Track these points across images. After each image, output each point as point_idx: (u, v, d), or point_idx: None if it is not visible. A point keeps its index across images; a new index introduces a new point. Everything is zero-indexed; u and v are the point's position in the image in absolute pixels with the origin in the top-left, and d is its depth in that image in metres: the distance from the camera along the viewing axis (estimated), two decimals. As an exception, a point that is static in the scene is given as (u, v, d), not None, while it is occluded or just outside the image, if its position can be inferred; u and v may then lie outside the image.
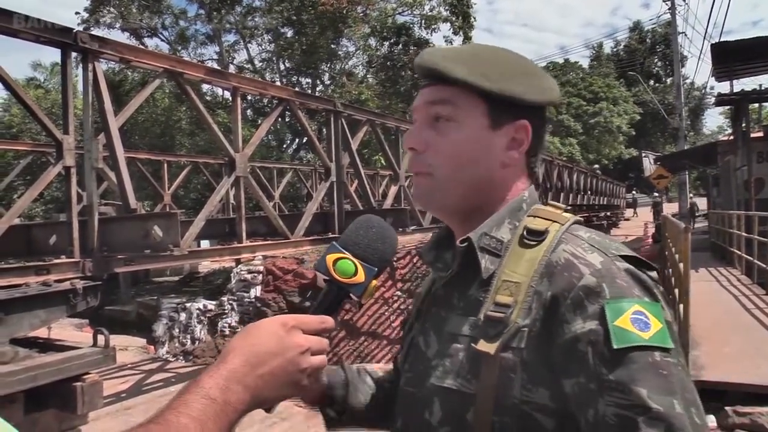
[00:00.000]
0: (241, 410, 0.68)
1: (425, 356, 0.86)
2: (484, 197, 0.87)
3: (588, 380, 0.69)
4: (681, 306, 5.34)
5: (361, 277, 0.83)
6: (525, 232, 0.81)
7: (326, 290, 0.84)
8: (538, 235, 0.80)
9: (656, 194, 28.51)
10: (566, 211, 0.86)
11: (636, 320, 0.69)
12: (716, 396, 4.51)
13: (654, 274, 0.77)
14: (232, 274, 9.90)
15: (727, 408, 4.34)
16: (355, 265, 0.83)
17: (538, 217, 0.83)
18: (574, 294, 0.72)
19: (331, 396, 1.01)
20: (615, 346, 0.67)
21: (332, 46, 24.42)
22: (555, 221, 0.82)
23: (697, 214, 24.39)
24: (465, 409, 0.76)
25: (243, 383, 0.69)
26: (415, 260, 9.49)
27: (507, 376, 0.74)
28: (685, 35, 44.55)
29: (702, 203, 29.47)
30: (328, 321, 0.80)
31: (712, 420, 4.37)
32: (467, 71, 0.83)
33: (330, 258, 0.84)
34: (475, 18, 25.26)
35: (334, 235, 7.52)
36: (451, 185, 0.86)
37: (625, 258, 0.76)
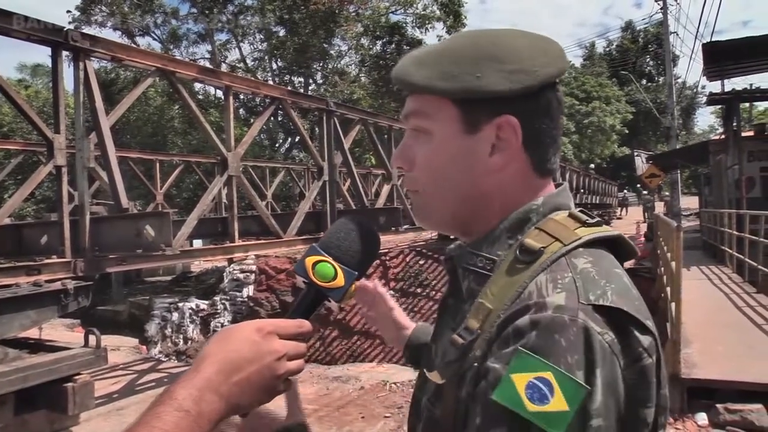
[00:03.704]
0: (215, 420, 0.65)
1: (433, 364, 0.76)
2: (478, 210, 0.76)
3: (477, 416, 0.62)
4: (673, 304, 5.37)
5: (340, 281, 0.79)
6: (518, 251, 0.69)
7: (304, 293, 0.80)
8: (530, 255, 0.68)
9: (645, 192, 28.61)
10: (590, 224, 0.71)
11: (533, 386, 0.57)
12: (708, 393, 4.55)
13: (646, 340, 0.62)
14: (224, 274, 9.89)
15: (718, 405, 4.38)
16: (335, 269, 0.79)
17: (544, 231, 0.70)
18: (506, 333, 0.63)
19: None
20: (492, 396, 0.59)
21: (325, 45, 24.40)
22: (558, 239, 0.68)
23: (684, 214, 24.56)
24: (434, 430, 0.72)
25: (218, 392, 0.66)
26: (407, 259, 9.51)
27: (464, 408, 0.66)
28: (677, 35, 44.75)
29: (691, 202, 29.69)
30: (305, 325, 0.76)
31: (703, 417, 4.42)
32: (427, 74, 0.73)
33: (309, 261, 0.79)
34: (466, 17, 25.35)
35: (327, 235, 7.50)
36: (436, 201, 0.78)
37: (602, 310, 0.61)
